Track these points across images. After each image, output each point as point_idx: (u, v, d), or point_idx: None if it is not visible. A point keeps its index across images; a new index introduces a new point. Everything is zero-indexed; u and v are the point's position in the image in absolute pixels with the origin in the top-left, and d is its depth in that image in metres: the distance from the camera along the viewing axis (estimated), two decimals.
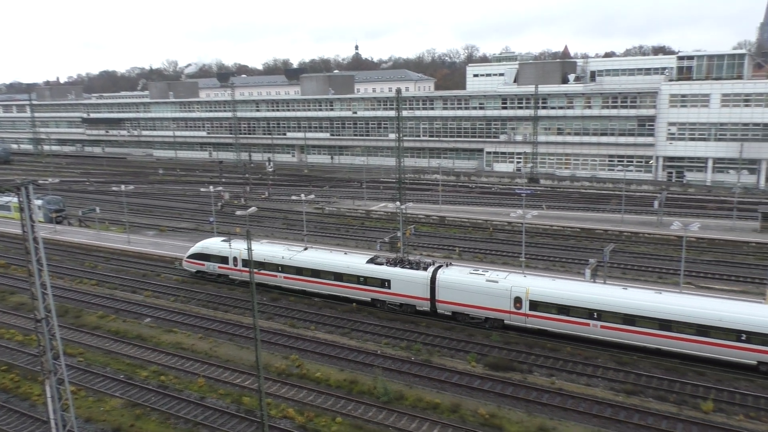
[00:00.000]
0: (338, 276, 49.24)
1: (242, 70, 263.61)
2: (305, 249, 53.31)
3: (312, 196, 76.02)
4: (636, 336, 38.46)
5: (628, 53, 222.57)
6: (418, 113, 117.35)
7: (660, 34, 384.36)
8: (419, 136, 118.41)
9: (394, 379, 36.66)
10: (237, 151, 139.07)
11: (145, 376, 38.37)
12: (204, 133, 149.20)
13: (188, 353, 41.54)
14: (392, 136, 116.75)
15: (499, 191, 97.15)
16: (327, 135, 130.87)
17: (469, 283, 43.90)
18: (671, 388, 34.79)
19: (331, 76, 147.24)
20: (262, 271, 52.04)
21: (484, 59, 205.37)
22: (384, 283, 47.20)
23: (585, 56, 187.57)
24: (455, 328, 44.07)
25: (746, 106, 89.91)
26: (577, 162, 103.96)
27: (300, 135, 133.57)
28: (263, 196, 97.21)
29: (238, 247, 53.79)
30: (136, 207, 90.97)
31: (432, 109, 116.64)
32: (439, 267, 46.34)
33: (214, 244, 55.82)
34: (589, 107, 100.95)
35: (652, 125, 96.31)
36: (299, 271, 50.99)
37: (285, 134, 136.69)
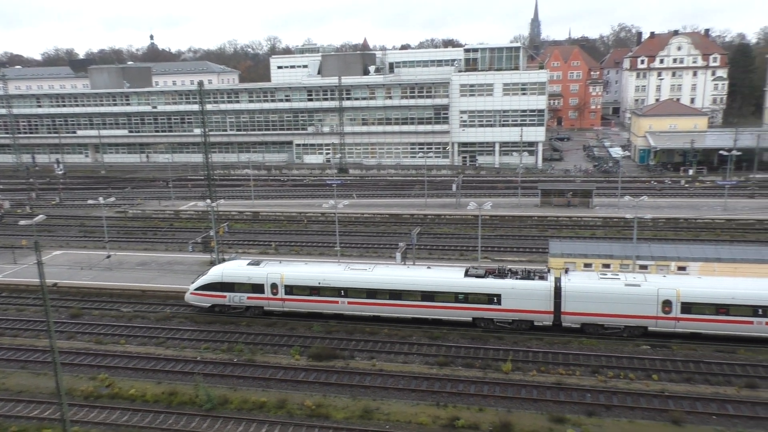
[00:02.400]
0: (428, 296, 41.76)
1: (15, 60, 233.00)
2: (373, 267, 44.93)
3: (112, 199, 70.16)
4: None
5: (422, 46, 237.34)
6: (223, 107, 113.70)
7: (449, 28, 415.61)
8: (226, 130, 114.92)
9: (217, 384, 35.60)
10: (16, 152, 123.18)
11: None
12: None
13: None
14: (197, 131, 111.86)
15: (310, 183, 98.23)
16: (125, 132, 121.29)
17: (605, 290, 39.28)
18: (477, 355, 38.30)
19: (126, 68, 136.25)
20: (316, 298, 43.64)
21: (288, 51, 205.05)
22: (492, 298, 40.75)
23: (383, 48, 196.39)
24: (276, 323, 43.89)
25: (523, 94, 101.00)
26: (382, 151, 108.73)
27: (93, 133, 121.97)
28: (53, 203, 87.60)
29: (277, 271, 44.57)
30: None
31: (238, 102, 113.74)
32: (554, 275, 41.45)
33: (238, 268, 45.62)
34: (390, 98, 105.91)
35: (447, 113, 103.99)
36: (372, 293, 42.64)
37: (75, 132, 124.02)
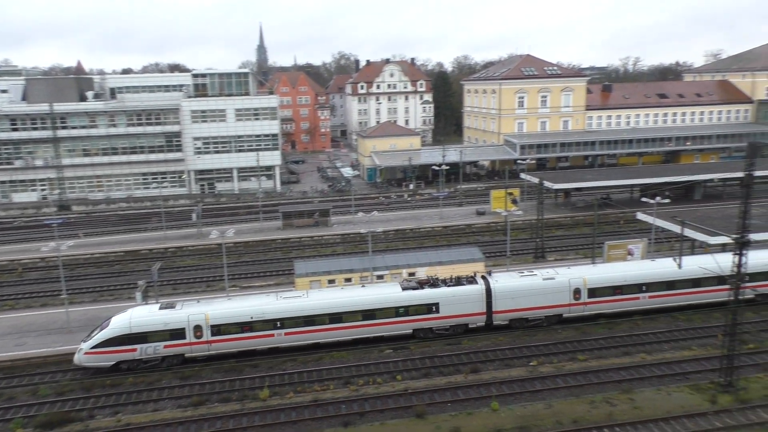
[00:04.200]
0: (369, 314, 41.75)
1: None
2: (307, 293, 43.09)
3: None
4: (674, 298, 45.08)
5: (145, 70, 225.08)
6: None
7: (174, 52, 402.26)
8: None
9: None
10: None
11: None
12: None
13: None
14: None
15: (24, 225, 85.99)
16: None
17: (527, 287, 43.16)
18: (232, 388, 37.50)
19: None
20: (249, 335, 40.69)
21: None
22: (431, 308, 42.48)
23: (102, 72, 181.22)
24: None
25: (256, 119, 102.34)
26: (110, 183, 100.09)
27: None
28: None
29: (200, 311, 40.29)
30: None
31: None
32: (481, 278, 44.01)
33: (150, 315, 40.17)
34: (114, 125, 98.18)
35: (179, 141, 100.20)
36: (310, 321, 41.16)
37: None
